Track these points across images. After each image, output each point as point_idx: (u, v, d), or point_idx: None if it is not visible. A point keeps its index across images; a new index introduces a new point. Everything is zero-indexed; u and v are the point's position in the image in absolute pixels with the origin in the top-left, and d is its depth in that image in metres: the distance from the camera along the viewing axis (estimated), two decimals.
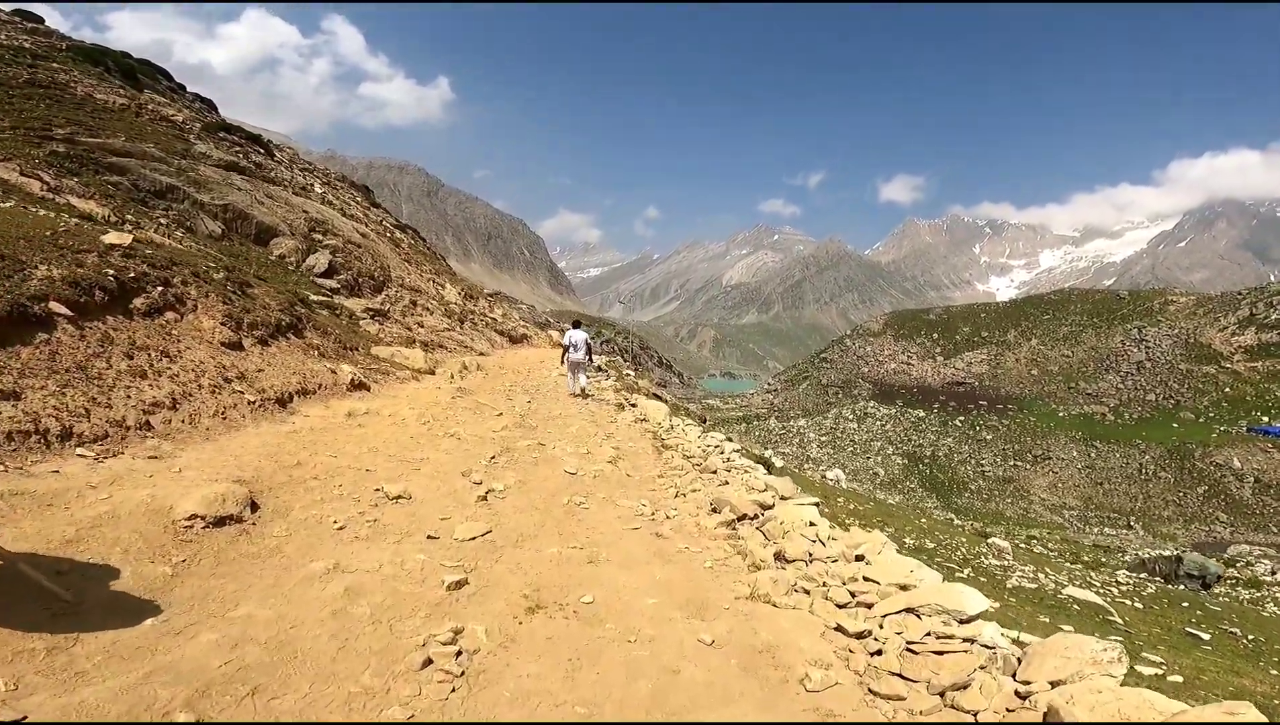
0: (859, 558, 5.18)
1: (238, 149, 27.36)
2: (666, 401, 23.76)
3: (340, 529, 5.20)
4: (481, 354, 26.58)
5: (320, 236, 24.54)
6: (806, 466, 66.19)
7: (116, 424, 6.63)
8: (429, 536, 5.20)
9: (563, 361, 15.49)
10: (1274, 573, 36.06)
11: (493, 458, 7.94)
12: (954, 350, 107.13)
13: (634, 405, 14.42)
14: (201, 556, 4.46)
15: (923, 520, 23.96)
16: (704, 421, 26.89)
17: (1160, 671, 8.60)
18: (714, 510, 6.58)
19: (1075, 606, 12.41)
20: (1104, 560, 29.36)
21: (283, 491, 5.83)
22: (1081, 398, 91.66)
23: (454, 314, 30.75)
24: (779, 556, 5.19)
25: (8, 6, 33.90)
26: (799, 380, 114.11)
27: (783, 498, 6.94)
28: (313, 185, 31.85)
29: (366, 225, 31.70)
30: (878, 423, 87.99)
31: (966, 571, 14.07)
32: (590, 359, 15.04)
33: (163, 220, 18.25)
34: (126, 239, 10.38)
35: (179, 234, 17.98)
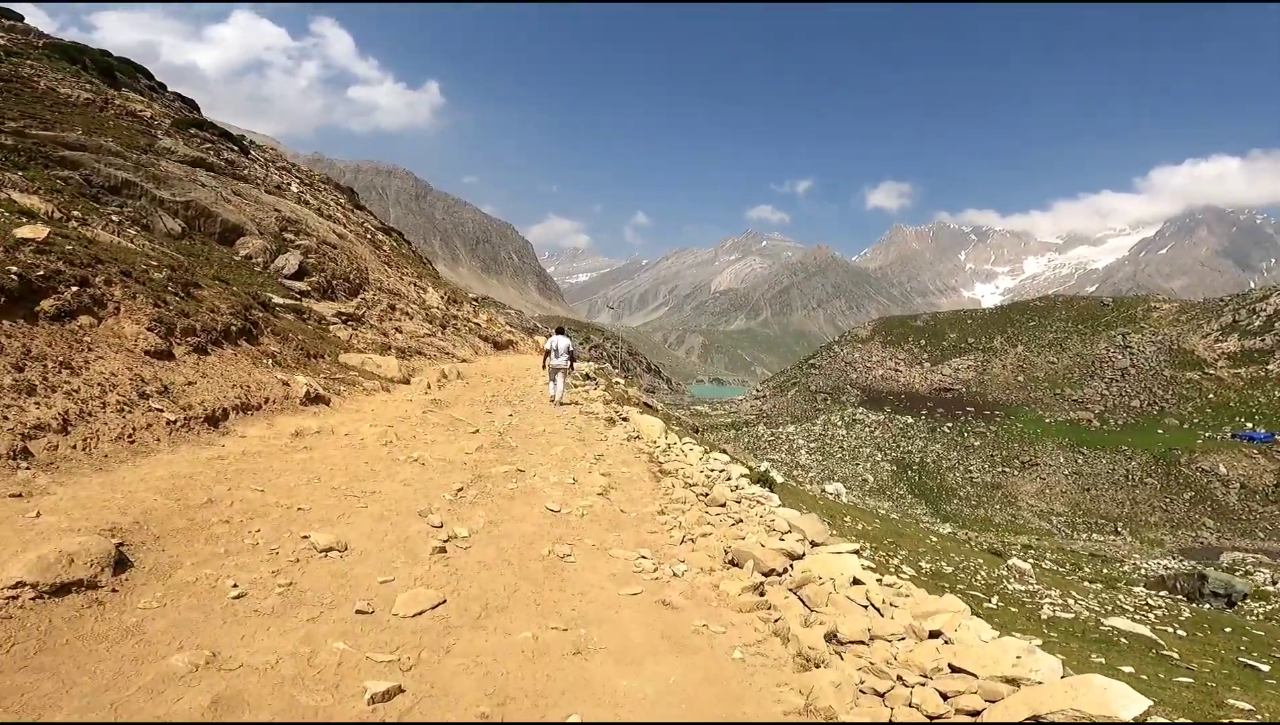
0: (934, 633, 3.91)
1: (208, 145, 25.77)
2: (658, 412, 22.49)
3: (238, 598, 3.86)
4: (464, 361, 25.18)
5: (292, 236, 23.04)
6: (796, 472, 65.26)
7: None
8: (359, 610, 3.86)
9: (544, 366, 14.91)
10: (1275, 582, 35.37)
11: (460, 490, 6.59)
12: (941, 356, 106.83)
13: (625, 419, 13.09)
14: (18, 640, 3.13)
15: (933, 538, 22.80)
16: (698, 432, 25.63)
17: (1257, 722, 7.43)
18: (732, 563, 5.28)
19: (1123, 640, 11.26)
20: (1112, 575, 28.40)
21: (174, 541, 4.46)
22: (1067, 404, 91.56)
23: (435, 319, 29.33)
24: (831, 638, 3.90)
25: None
26: (787, 386, 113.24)
27: (813, 543, 5.66)
28: (289, 184, 30.30)
29: (346, 226, 30.20)
30: (866, 429, 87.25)
31: (994, 600, 12.88)
32: (573, 366, 14.57)
33: (115, 217, 16.75)
34: (42, 232, 8.94)
35: (132, 231, 16.47)
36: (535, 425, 11.64)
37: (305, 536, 4.78)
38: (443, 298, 33.50)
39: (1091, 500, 73.13)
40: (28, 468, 5.43)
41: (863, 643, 3.85)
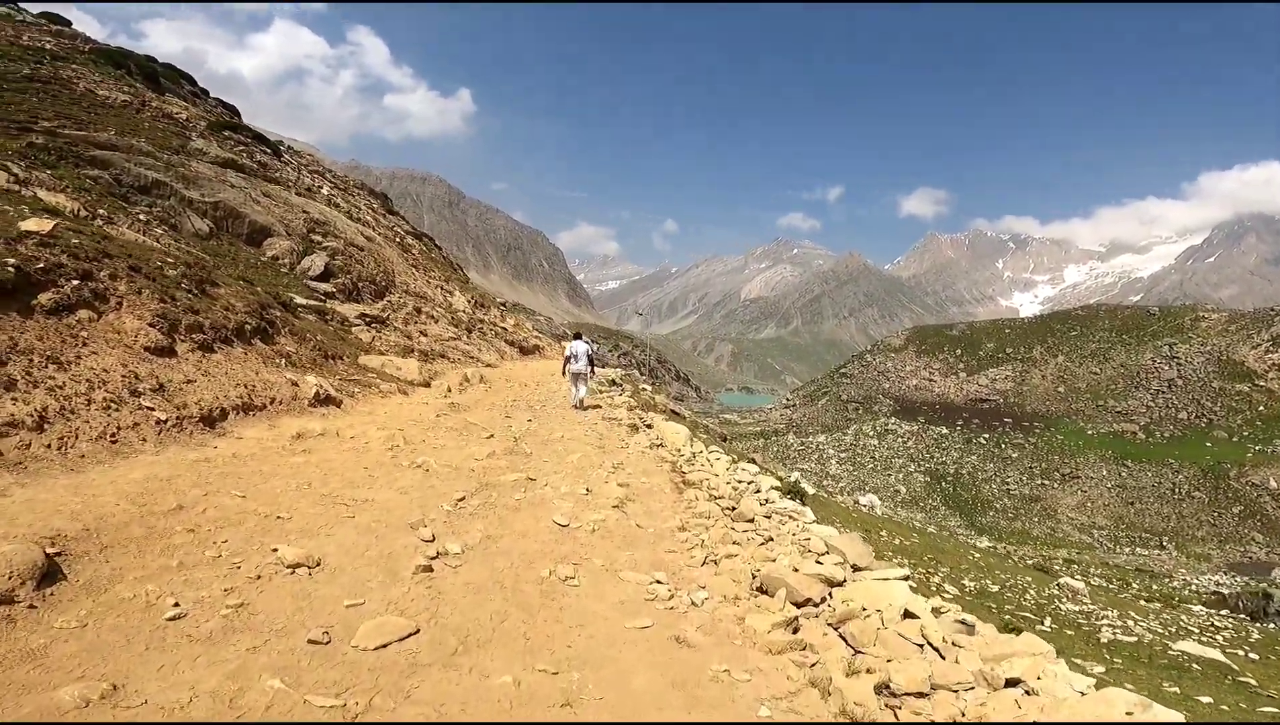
0: (1011, 681, 3.18)
1: (241, 148, 25.92)
2: (685, 419, 21.78)
3: (174, 619, 3.32)
4: (488, 365, 24.83)
5: (320, 238, 22.97)
6: (826, 483, 63.82)
7: None
8: (312, 640, 3.28)
9: (564, 372, 14.72)
10: None
11: (461, 500, 6.00)
12: (978, 366, 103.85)
13: (649, 426, 12.43)
14: None
15: (974, 554, 21.59)
16: (725, 440, 24.81)
17: None
18: (761, 590, 4.59)
19: (1194, 666, 10.20)
20: (1165, 592, 26.74)
21: (123, 552, 3.95)
22: (1111, 416, 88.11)
23: (461, 323, 29.11)
24: (882, 689, 3.19)
25: (35, 8, 33.34)
26: (818, 396, 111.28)
27: (855, 567, 4.93)
28: (320, 187, 30.43)
29: (375, 230, 30.19)
30: (899, 439, 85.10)
31: (1047, 623, 11.85)
32: (592, 370, 14.66)
33: (142, 216, 16.71)
34: (47, 226, 8.67)
35: (158, 231, 16.42)
36: (554, 431, 11.05)
37: (275, 549, 4.23)
38: (469, 302, 33.32)
39: (1136, 514, 70.22)
40: None
41: (923, 694, 3.14)
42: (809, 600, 4.38)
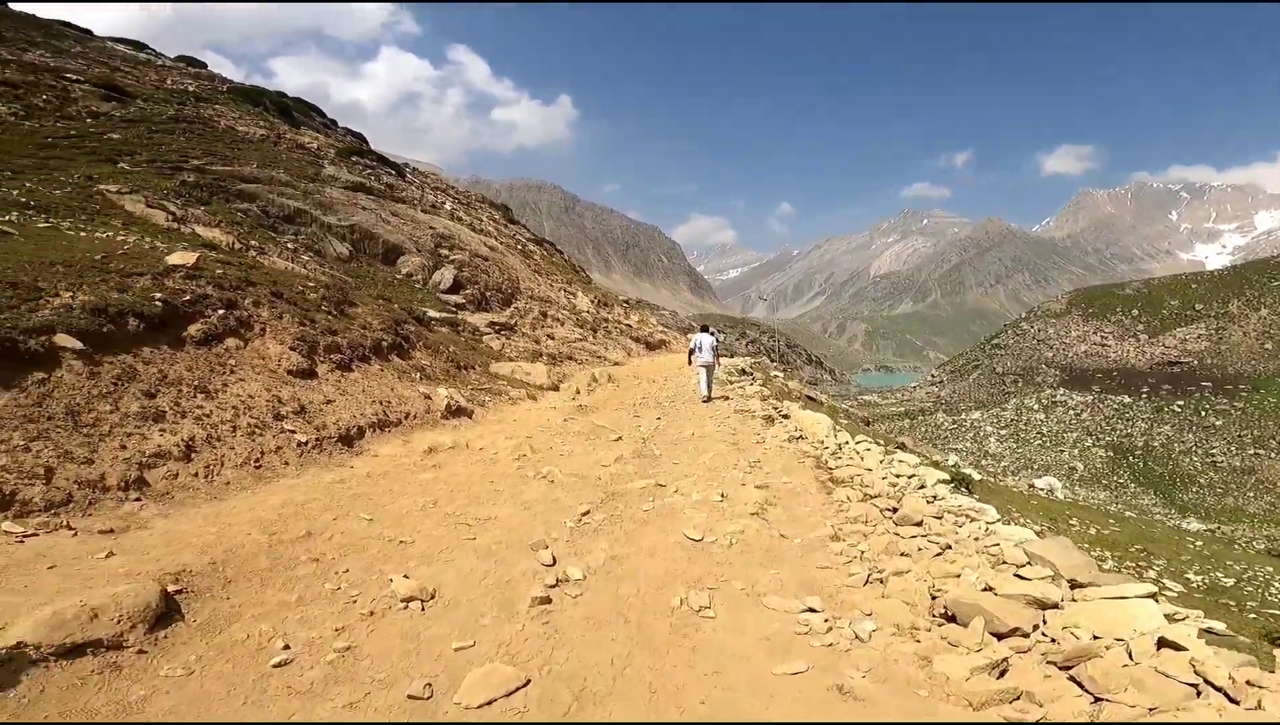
0: None
1: (369, 171, 27.70)
2: (822, 404, 20.41)
3: (280, 664, 3.04)
4: (615, 363, 24.78)
5: (447, 252, 24.00)
6: (985, 463, 58.51)
7: (90, 484, 5.03)
8: (411, 695, 2.87)
9: (690, 364, 14.58)
10: None
11: (585, 514, 5.53)
12: (1160, 327, 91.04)
13: (786, 417, 11.48)
14: None
15: (1194, 542, 18.39)
16: (869, 424, 23.06)
17: None
18: (947, 617, 3.67)
19: None
20: None
21: (246, 586, 3.81)
22: None
23: (586, 323, 29.40)
24: None
25: (171, 52, 37.89)
26: (968, 369, 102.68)
27: (1073, 583, 3.86)
28: (443, 203, 31.99)
29: (498, 240, 31.28)
30: (1070, 412, 76.38)
31: None
32: (718, 361, 13.89)
33: (290, 245, 18.02)
34: (190, 258, 9.30)
35: (305, 257, 17.66)
36: (684, 429, 10.45)
37: (391, 580, 3.95)
38: (593, 302, 33.64)
39: None
40: (138, 499, 5.18)
41: None
42: (1015, 630, 3.41)
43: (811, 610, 3.91)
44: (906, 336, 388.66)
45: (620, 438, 9.53)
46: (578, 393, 15.04)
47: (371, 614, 3.63)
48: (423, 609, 3.70)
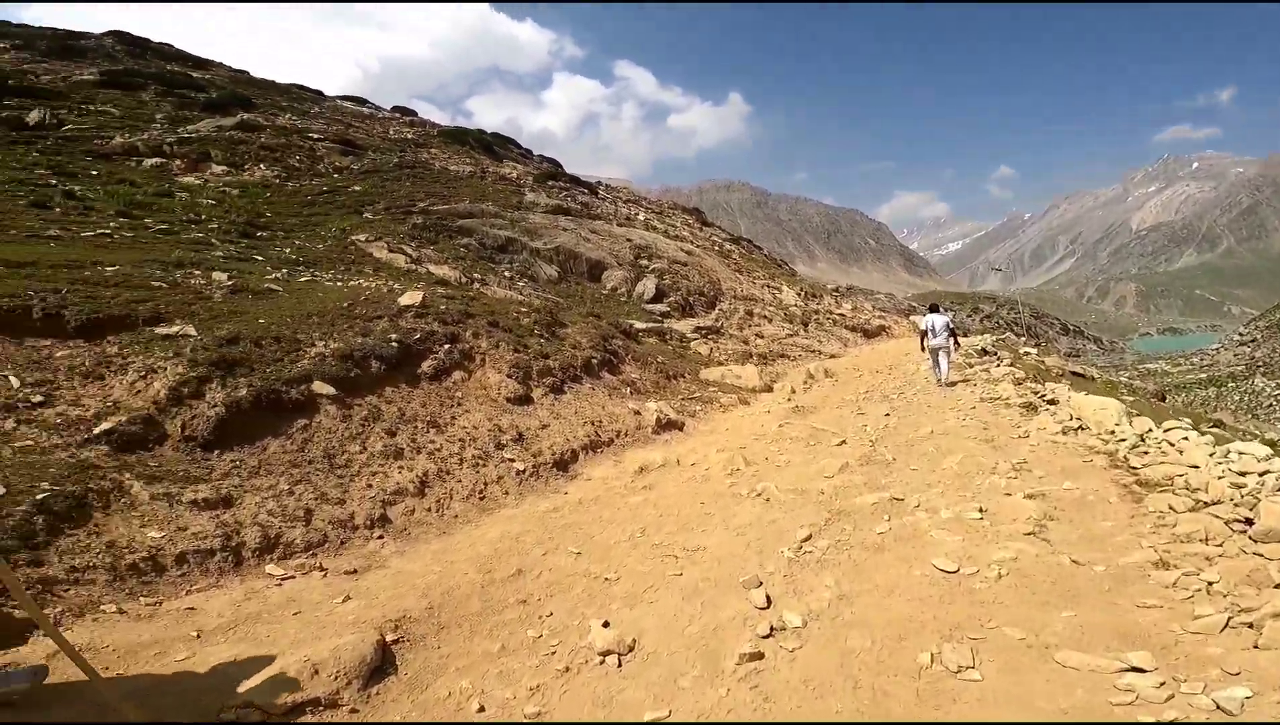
0: None
1: (565, 193, 29.26)
2: (1094, 380, 16.94)
3: None
4: (831, 356, 23.23)
5: (646, 262, 24.41)
6: None
7: (341, 524, 5.41)
8: None
9: (922, 349, 13.21)
10: None
11: (806, 540, 4.72)
12: None
13: (1053, 402, 9.41)
14: None
15: None
16: (1162, 399, 18.70)
17: None
18: None
19: None
20: None
21: (457, 634, 3.75)
22: None
23: (795, 318, 28.08)
24: None
25: (387, 103, 43.59)
26: None
27: None
28: (636, 215, 32.80)
29: (694, 244, 31.30)
30: None
31: None
32: (955, 343, 12.78)
33: (506, 273, 19.46)
34: (418, 297, 10.14)
35: (520, 283, 18.94)
36: (920, 426, 9.02)
37: (589, 630, 3.60)
38: (799, 294, 32.13)
39: None
40: (380, 536, 5.46)
41: None
42: None
43: (1137, 670, 2.72)
44: (1194, 292, 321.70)
45: (844, 441, 8.48)
46: (792, 392, 14.07)
47: (567, 670, 3.35)
48: (620, 664, 3.32)
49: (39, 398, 6.10)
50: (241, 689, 2.99)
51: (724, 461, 7.76)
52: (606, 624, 3.62)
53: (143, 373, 6.67)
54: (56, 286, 7.62)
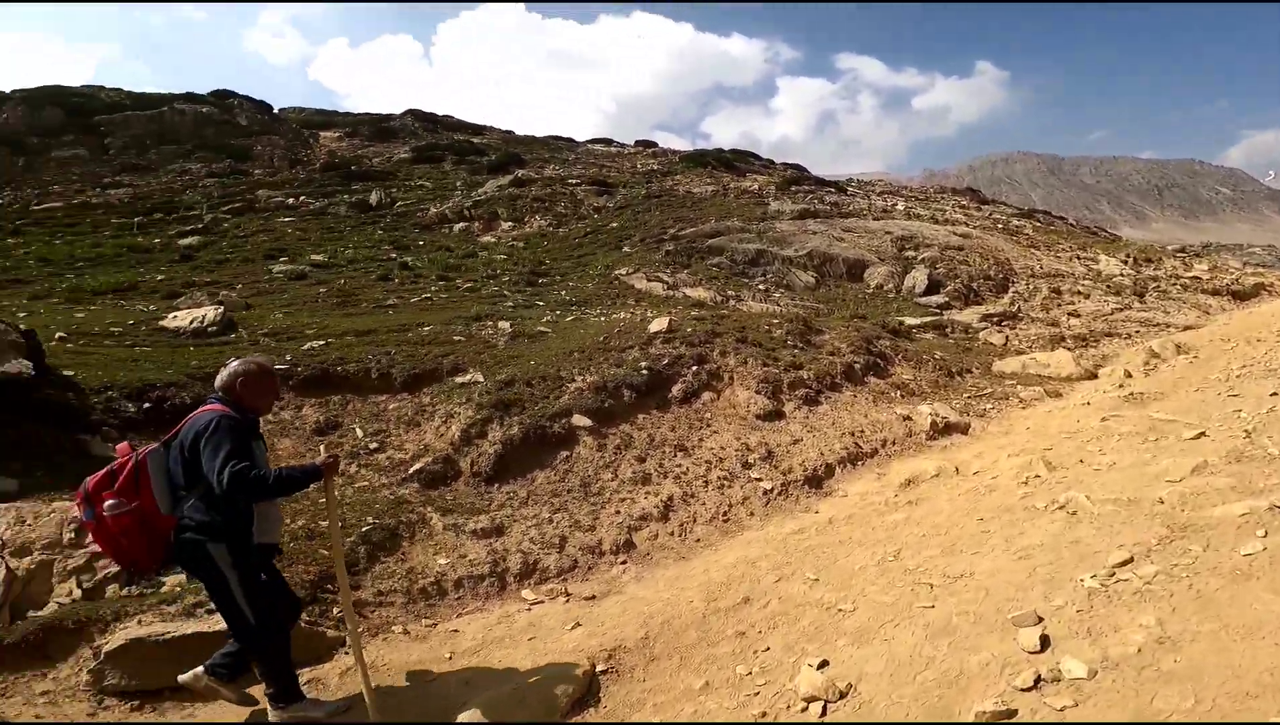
0: None
1: (811, 196, 28.00)
2: None
3: None
4: (1185, 328, 18.41)
5: (912, 253, 22.20)
6: None
7: (590, 550, 5.63)
8: None
9: None
10: None
11: (1122, 565, 3.44)
12: None
13: None
14: None
15: None
16: None
17: None
18: None
19: None
20: None
21: (664, 665, 3.55)
22: None
23: (1124, 288, 22.98)
24: None
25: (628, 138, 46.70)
26: None
27: None
28: (894, 206, 30.07)
29: (969, 226, 27.67)
30: None
31: None
32: None
33: (760, 286, 19.20)
34: (664, 323, 10.39)
35: (776, 294, 18.52)
36: None
37: (799, 672, 3.06)
38: (1125, 261, 26.24)
39: None
40: (624, 561, 5.54)
41: None
42: None
43: None
44: None
45: (1203, 433, 6.38)
46: (1126, 377, 11.32)
47: (763, 715, 2.87)
48: (823, 712, 2.70)
49: (374, 444, 7.52)
50: (457, 718, 3.16)
51: (1017, 467, 6.40)
52: (825, 664, 3.04)
53: (445, 418, 7.85)
54: (388, 349, 9.41)
